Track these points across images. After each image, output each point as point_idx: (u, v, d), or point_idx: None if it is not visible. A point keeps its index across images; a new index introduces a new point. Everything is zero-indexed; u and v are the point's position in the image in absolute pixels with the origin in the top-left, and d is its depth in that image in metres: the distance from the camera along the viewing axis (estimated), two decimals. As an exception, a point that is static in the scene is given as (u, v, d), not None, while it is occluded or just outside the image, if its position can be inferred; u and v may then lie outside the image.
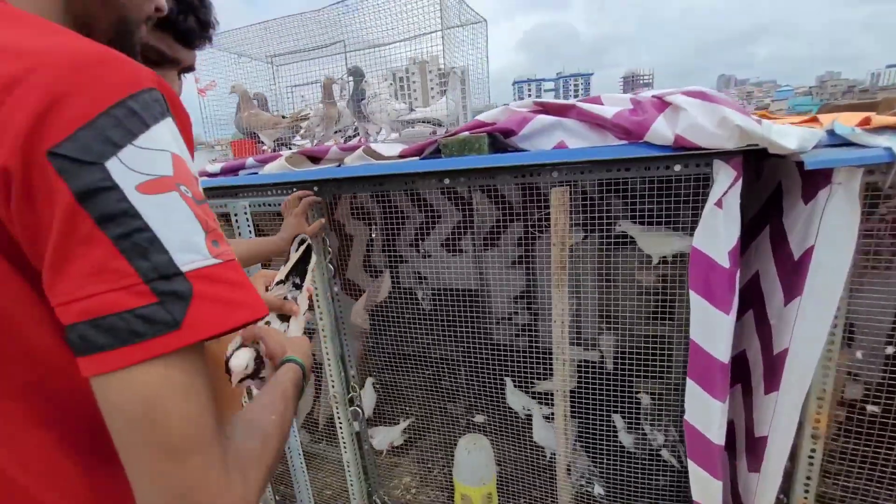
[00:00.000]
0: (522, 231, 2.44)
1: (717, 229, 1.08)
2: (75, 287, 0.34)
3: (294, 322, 0.82)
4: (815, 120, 1.14)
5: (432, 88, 2.30)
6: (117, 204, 0.35)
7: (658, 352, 1.46)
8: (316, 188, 1.46)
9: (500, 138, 1.31)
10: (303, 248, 1.00)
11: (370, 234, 2.55)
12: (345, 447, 1.79)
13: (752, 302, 1.29)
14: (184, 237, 0.38)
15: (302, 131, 1.91)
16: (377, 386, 2.02)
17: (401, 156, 1.41)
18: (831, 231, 1.00)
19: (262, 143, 1.98)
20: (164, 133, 0.39)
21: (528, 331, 2.52)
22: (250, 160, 1.64)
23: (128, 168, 0.36)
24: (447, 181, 1.31)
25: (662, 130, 1.03)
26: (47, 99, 0.34)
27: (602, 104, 1.20)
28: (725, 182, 1.06)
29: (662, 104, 1.08)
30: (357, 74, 1.61)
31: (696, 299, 1.14)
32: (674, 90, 1.08)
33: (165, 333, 0.35)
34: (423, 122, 1.51)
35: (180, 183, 0.39)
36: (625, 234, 1.48)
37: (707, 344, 1.15)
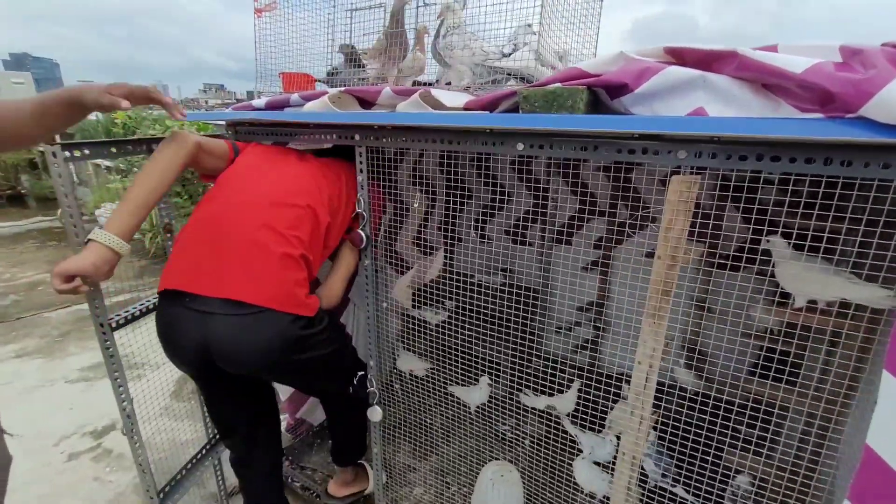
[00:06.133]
0: (605, 230, 2.01)
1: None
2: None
3: None
4: None
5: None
6: None
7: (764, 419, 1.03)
8: (357, 136, 1.17)
9: (604, 98, 0.92)
10: None
11: (428, 207, 2.26)
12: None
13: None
14: None
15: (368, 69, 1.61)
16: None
17: (465, 108, 1.07)
18: None
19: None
20: None
21: (591, 349, 2.12)
22: (295, 96, 1.38)
23: None
24: (521, 146, 0.95)
25: (905, 98, 0.59)
26: None
27: (777, 53, 0.77)
28: None
29: (909, 55, 0.63)
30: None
31: (891, 385, 0.70)
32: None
33: None
34: (510, 74, 1.13)
35: None
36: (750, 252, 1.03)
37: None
